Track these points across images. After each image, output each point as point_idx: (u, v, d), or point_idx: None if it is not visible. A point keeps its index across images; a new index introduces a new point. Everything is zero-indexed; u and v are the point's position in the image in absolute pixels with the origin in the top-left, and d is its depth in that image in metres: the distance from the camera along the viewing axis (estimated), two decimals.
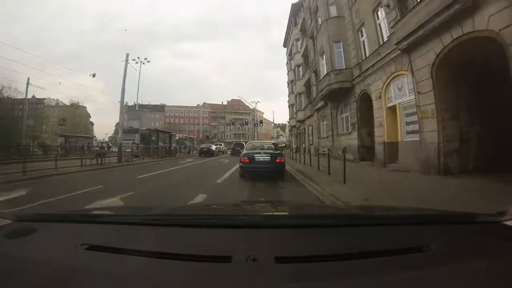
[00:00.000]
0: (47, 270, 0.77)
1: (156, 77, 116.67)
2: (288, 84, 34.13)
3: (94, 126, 60.85)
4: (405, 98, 9.06)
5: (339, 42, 13.67)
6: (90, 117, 62.16)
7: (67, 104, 56.68)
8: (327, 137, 17.11)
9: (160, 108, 76.30)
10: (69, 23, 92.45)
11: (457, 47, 6.94)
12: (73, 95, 77.05)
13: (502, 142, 6.78)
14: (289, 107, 33.25)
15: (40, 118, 54.71)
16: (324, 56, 14.75)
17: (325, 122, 17.74)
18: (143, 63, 31.38)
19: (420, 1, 7.53)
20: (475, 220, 1.11)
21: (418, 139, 8.11)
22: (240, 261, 0.75)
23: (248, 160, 7.80)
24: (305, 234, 0.99)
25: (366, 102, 11.96)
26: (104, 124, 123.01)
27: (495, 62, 5.87)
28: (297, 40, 26.86)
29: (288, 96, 33.38)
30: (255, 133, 48.95)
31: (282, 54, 74.59)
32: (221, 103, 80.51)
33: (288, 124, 37.28)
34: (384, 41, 10.18)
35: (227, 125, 65.45)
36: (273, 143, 10.34)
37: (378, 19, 10.83)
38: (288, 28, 32.41)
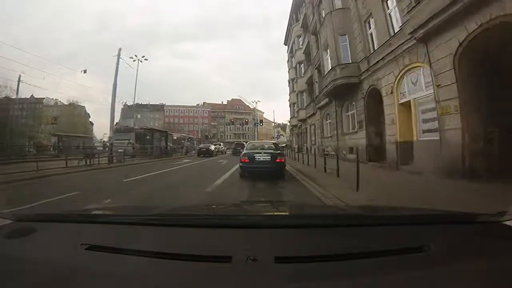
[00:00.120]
0: (47, 270, 0.77)
1: (156, 77, 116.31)
2: (289, 82, 33.29)
3: (94, 126, 60.29)
4: (421, 92, 8.19)
5: (345, 35, 12.80)
6: (90, 117, 61.58)
7: (66, 104, 56.13)
8: (331, 136, 16.24)
9: (160, 107, 75.81)
10: (69, 23, 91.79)
11: (484, 34, 6.09)
12: (73, 95, 76.39)
13: None
14: (290, 106, 32.43)
15: (39, 117, 54.17)
16: (328, 50, 13.88)
17: (329, 121, 16.86)
18: (141, 61, 30.72)
19: None
20: (475, 220, 1.11)
21: (438, 138, 7.25)
22: (240, 261, 0.75)
23: (248, 160, 7.74)
24: (305, 234, 0.99)
25: (374, 98, 11.08)
26: (104, 124, 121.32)
27: None
28: (299, 36, 26.07)
29: (289, 94, 32.53)
30: (255, 133, 48.30)
31: (282, 54, 73.97)
32: (221, 103, 79.80)
33: (289, 123, 36.39)
34: (396, 31, 9.32)
35: (226, 124, 64.57)
36: (273, 143, 10.21)
37: (388, 8, 9.96)
38: (289, 25, 31.63)
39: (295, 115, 28.33)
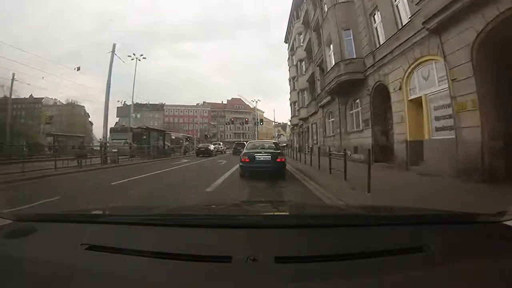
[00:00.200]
0: (47, 270, 0.77)
1: (156, 77, 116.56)
2: (289, 81, 32.71)
3: (93, 126, 59.72)
4: (433, 88, 7.61)
5: (349, 29, 12.22)
6: (89, 116, 61.25)
7: (65, 103, 55.71)
8: (333, 135, 15.66)
9: (159, 107, 75.36)
10: (69, 23, 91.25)
11: (504, 22, 5.54)
12: (73, 95, 76.03)
13: None
14: (290, 105, 31.87)
15: (38, 117, 53.68)
16: (331, 46, 13.29)
17: (332, 120, 16.27)
18: (139, 60, 30.24)
19: None
20: (475, 220, 1.11)
21: (453, 136, 6.69)
22: (240, 261, 0.75)
23: (248, 160, 7.68)
24: (305, 234, 0.99)
25: (381, 95, 10.51)
26: (103, 124, 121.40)
27: None
28: (300, 34, 25.50)
29: (290, 93, 31.95)
30: (256, 132, 47.79)
31: (282, 54, 73.54)
32: (221, 102, 79.24)
33: (289, 122, 35.81)
34: (404, 24, 8.74)
35: (226, 124, 63.99)
36: (273, 143, 10.12)
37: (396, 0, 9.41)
38: (290, 22, 31.06)
39: (296, 114, 27.74)
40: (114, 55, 13.71)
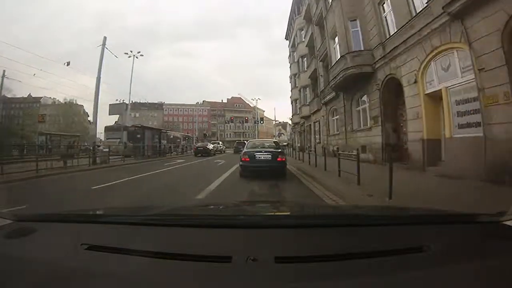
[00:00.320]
0: (47, 270, 0.76)
1: (157, 77, 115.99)
2: (290, 78, 31.91)
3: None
4: (455, 80, 6.79)
5: (355, 20, 11.37)
6: (88, 116, 60.61)
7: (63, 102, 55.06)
8: (338, 134, 14.84)
9: (159, 106, 74.72)
10: (69, 23, 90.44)
11: None
12: (73, 94, 75.19)
13: None
14: (291, 102, 31.04)
15: (35, 116, 52.94)
16: (336, 38, 12.46)
17: (336, 117, 15.44)
18: (136, 57, 29.45)
19: None
20: (475, 220, 1.10)
21: (480, 134, 5.89)
22: (240, 261, 0.75)
23: (248, 159, 7.60)
24: (305, 234, 0.98)
25: (392, 89, 9.70)
26: (104, 123, 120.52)
27: None
28: (301, 29, 24.71)
29: (291, 91, 31.16)
30: (256, 132, 47.11)
31: (282, 53, 72.69)
32: (221, 101, 78.50)
33: (290, 121, 34.96)
34: (419, 11, 7.92)
35: (226, 123, 63.37)
36: (274, 142, 10.02)
37: None
38: (291, 18, 30.25)
39: (298, 112, 26.87)
40: (105, 48, 12.90)
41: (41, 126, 50.30)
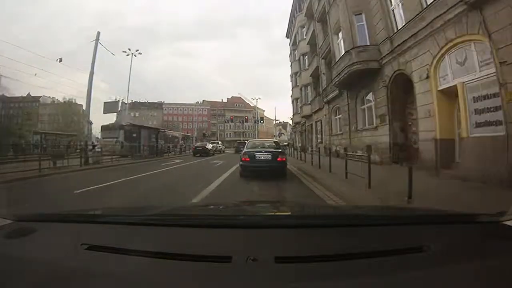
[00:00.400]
0: (47, 270, 0.76)
1: (157, 76, 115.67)
2: (291, 77, 31.38)
3: (92, 125, 58.51)
4: (472, 74, 6.24)
5: (361, 13, 10.82)
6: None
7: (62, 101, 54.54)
8: (341, 133, 14.28)
9: (158, 105, 74.32)
10: (69, 23, 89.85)
11: None
12: (73, 94, 74.53)
13: None
14: (292, 102, 30.47)
15: (34, 115, 52.42)
16: (340, 33, 11.91)
17: (339, 116, 14.89)
18: (135, 55, 28.94)
19: None
20: (475, 220, 1.10)
21: (502, 133, 5.34)
22: (240, 261, 0.75)
23: (248, 159, 7.57)
24: (305, 234, 0.98)
25: (399, 86, 9.16)
26: (104, 123, 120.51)
27: None
28: (302, 27, 24.19)
29: (292, 90, 30.60)
30: (256, 131, 46.66)
31: (283, 53, 72.22)
32: (221, 101, 77.94)
33: (291, 120, 34.39)
34: (429, 2, 7.37)
35: (226, 122, 62.81)
36: (274, 142, 9.97)
37: None
38: (292, 16, 29.74)
39: (299, 111, 26.31)
40: (100, 44, 12.35)
41: (41, 125, 49.98)
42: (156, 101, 74.00)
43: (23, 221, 1.10)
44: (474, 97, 6.24)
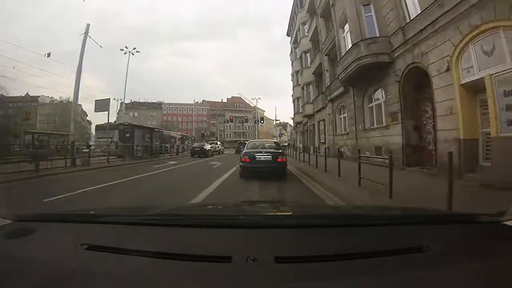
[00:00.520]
0: (47, 270, 0.76)
1: (157, 76, 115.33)
2: (292, 76, 30.62)
3: (92, 125, 57.98)
4: (502, 65, 5.43)
5: (369, 4, 10.06)
6: (87, 115, 59.57)
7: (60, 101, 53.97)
8: (346, 133, 13.50)
9: (158, 105, 73.74)
10: (69, 23, 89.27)
11: None
12: (71, 93, 73.77)
13: None
14: (293, 101, 29.69)
15: (33, 116, 51.82)
16: (347, 25, 11.12)
17: (344, 115, 14.10)
18: (132, 54, 28.24)
19: None
20: (475, 220, 1.09)
21: None
22: (240, 261, 0.75)
23: (248, 160, 7.56)
24: (305, 234, 0.98)
25: (413, 81, 8.39)
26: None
27: None
28: (304, 23, 23.45)
29: (293, 89, 29.81)
30: (256, 132, 46.02)
31: (283, 52, 71.57)
32: (220, 101, 77.23)
33: (292, 120, 33.59)
34: None
35: (225, 122, 62.10)
36: (274, 142, 9.93)
37: None
38: (293, 13, 29.09)
39: (300, 111, 25.54)
40: (88, 37, 11.59)
41: (40, 125, 49.26)
42: (155, 101, 73.47)
43: (23, 221, 1.10)
44: (505, 91, 5.44)
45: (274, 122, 59.54)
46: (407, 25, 8.29)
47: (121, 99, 30.42)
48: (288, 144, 33.87)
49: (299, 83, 26.15)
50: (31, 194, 5.43)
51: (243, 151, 8.07)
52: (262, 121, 48.72)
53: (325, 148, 10.75)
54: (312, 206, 2.60)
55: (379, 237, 0.91)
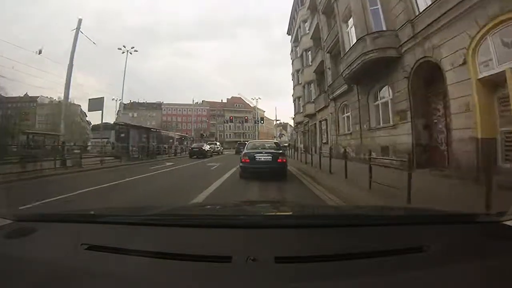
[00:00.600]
0: (47, 270, 0.76)
1: (157, 76, 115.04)
2: (292, 75, 30.11)
3: (91, 125, 57.48)
4: None
5: None
6: (86, 115, 59.26)
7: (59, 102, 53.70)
8: (350, 133, 13.00)
9: (157, 106, 73.35)
10: (68, 23, 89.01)
11: None
12: (73, 94, 73.53)
13: None
14: (294, 101, 29.17)
15: (33, 115, 51.48)
16: (351, 20, 10.62)
17: (348, 114, 13.61)
18: (130, 53, 27.76)
19: None
20: (475, 220, 1.09)
21: None
22: (240, 261, 0.75)
23: (248, 160, 7.53)
24: (305, 234, 0.97)
25: (423, 77, 7.91)
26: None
27: None
28: (305, 21, 22.98)
29: (293, 88, 29.30)
30: (256, 132, 45.61)
31: (283, 52, 70.99)
32: (220, 101, 76.79)
33: (293, 120, 33.07)
34: None
35: (225, 122, 61.63)
36: (274, 143, 9.92)
37: None
38: (293, 11, 28.65)
39: (301, 110, 25.02)
40: (80, 32, 11.13)
41: (39, 126, 48.80)
42: (155, 102, 73.07)
43: (23, 221, 1.09)
44: None
45: (274, 122, 58.97)
46: (417, 17, 7.79)
47: (119, 99, 30.02)
48: (289, 144, 33.35)
49: (299, 82, 25.65)
50: (9, 199, 4.92)
51: (243, 152, 8.04)
52: (262, 122, 48.27)
53: (330, 149, 10.20)
54: (312, 206, 2.64)
55: (379, 237, 0.91)
